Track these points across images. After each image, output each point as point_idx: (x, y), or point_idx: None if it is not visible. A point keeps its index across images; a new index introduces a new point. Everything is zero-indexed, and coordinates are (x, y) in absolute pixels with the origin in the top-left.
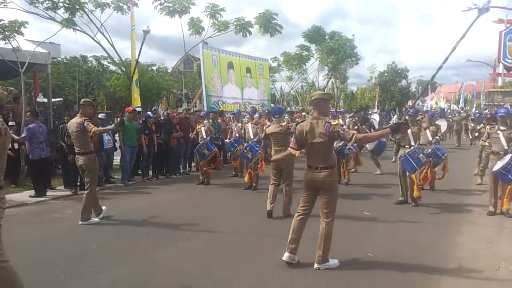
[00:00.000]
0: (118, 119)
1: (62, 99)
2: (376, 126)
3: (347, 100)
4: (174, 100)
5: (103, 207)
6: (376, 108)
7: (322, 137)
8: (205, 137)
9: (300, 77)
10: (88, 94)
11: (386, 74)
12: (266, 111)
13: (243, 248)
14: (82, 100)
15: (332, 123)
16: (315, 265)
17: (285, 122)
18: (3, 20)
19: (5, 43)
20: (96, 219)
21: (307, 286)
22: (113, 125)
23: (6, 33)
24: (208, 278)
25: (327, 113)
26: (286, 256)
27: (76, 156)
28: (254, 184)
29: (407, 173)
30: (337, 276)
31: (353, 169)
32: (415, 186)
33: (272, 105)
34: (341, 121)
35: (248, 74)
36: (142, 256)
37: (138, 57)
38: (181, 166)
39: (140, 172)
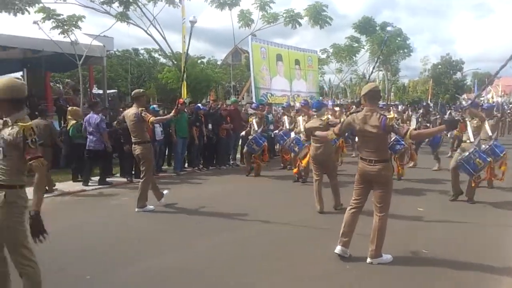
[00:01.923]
0: (179, 106)
1: (116, 90)
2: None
3: (398, 93)
4: (223, 92)
5: (165, 191)
6: (429, 101)
7: (376, 130)
8: (256, 129)
9: (350, 69)
10: (140, 86)
11: (440, 67)
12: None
13: (293, 240)
14: (134, 92)
15: (387, 116)
16: (368, 260)
17: (325, 117)
18: (62, 15)
19: (64, 37)
20: (151, 207)
21: (359, 279)
22: (172, 114)
23: (65, 27)
24: (258, 268)
25: (377, 102)
26: (338, 249)
27: (133, 145)
28: (303, 177)
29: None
30: (391, 271)
31: (411, 164)
32: (472, 186)
33: (320, 98)
34: (396, 115)
35: (297, 66)
36: (193, 244)
37: (188, 49)
38: (230, 158)
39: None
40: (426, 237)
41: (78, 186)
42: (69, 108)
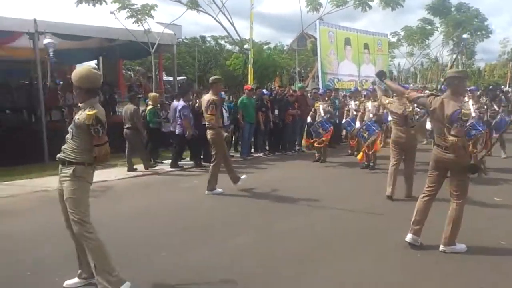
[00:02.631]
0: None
1: (185, 77)
2: None
3: (474, 77)
4: (287, 78)
5: (243, 176)
6: (507, 86)
7: (447, 116)
8: (323, 115)
9: (422, 52)
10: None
11: None
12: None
13: (362, 227)
14: (212, 78)
15: (463, 110)
16: (441, 248)
17: (409, 106)
18: (136, 5)
19: (138, 26)
20: (220, 190)
21: (430, 268)
22: (227, 134)
23: (139, 16)
24: (325, 252)
25: (462, 92)
26: (409, 237)
27: (207, 130)
28: (371, 164)
29: None
30: (465, 261)
31: (483, 153)
32: None
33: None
34: (471, 101)
35: (366, 50)
36: (263, 227)
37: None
38: (296, 143)
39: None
40: (504, 228)
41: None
42: (150, 94)
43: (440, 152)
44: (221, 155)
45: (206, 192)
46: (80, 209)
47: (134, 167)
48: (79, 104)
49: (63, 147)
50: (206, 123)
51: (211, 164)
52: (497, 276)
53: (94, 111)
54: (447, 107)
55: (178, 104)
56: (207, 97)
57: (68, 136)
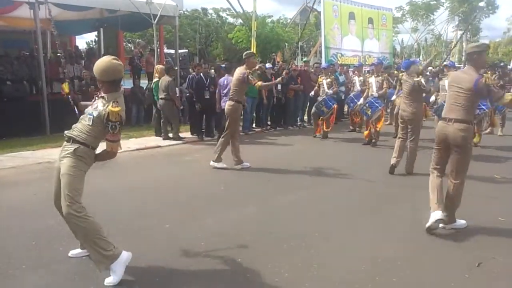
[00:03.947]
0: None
1: (187, 50)
2: None
3: None
4: (289, 52)
5: (247, 164)
6: (511, 63)
7: (466, 88)
8: (326, 90)
9: (426, 28)
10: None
11: None
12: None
13: (363, 201)
14: (246, 53)
15: (483, 75)
16: (441, 225)
17: (417, 78)
18: None
19: None
20: (223, 165)
21: (430, 243)
22: (279, 79)
23: None
24: (326, 225)
25: (481, 65)
26: (439, 214)
27: (228, 100)
28: (373, 140)
29: None
30: (464, 236)
31: (487, 131)
32: None
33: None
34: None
35: (370, 25)
36: (266, 200)
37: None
38: (298, 118)
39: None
40: (503, 204)
41: (154, 141)
42: (157, 66)
43: (442, 124)
44: (232, 130)
45: (211, 163)
46: (74, 187)
47: (169, 135)
48: (103, 94)
49: (74, 125)
50: (230, 94)
51: (222, 137)
52: (496, 252)
53: (118, 109)
54: (465, 76)
55: (227, 78)
56: (240, 70)
57: (85, 118)
